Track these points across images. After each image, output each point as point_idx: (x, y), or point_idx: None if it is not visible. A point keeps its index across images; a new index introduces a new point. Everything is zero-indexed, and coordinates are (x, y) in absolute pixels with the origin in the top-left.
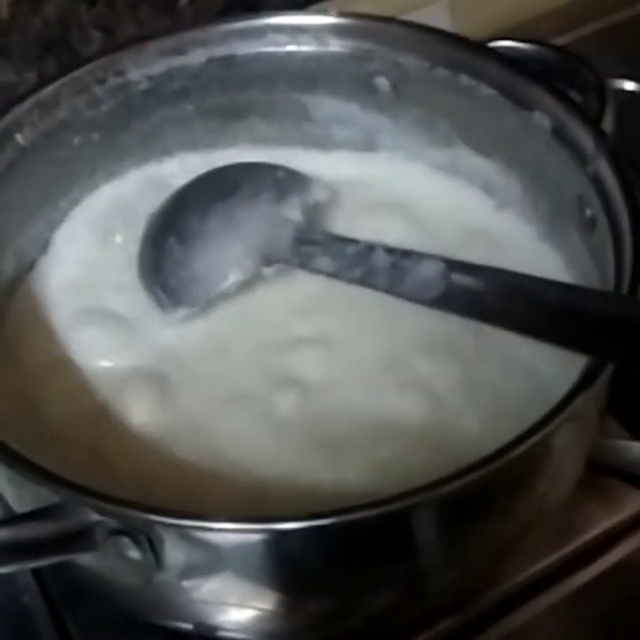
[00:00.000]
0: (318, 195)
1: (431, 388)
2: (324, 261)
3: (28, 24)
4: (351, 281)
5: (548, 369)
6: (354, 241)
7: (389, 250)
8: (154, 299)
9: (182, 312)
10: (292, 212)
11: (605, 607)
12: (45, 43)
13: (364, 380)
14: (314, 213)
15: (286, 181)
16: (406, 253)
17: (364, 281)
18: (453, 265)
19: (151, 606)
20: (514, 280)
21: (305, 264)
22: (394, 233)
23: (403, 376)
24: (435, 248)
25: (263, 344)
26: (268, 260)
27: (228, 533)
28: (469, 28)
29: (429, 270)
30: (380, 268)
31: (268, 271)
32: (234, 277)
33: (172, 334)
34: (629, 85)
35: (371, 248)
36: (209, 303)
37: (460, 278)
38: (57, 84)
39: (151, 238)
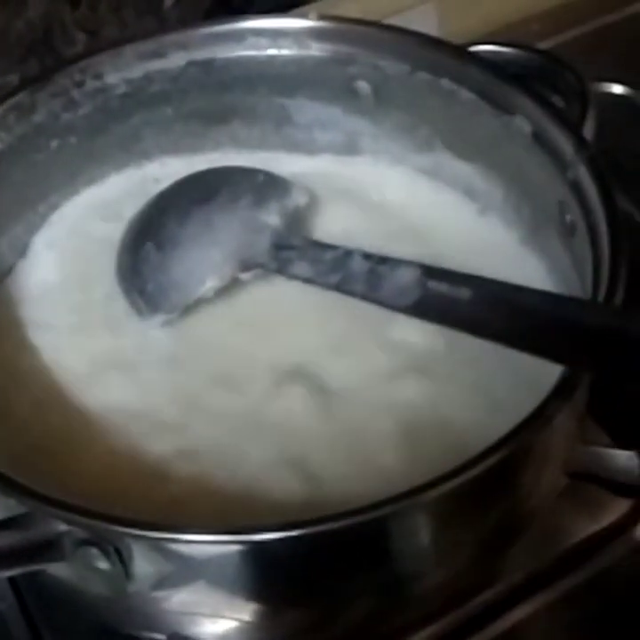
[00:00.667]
0: (298, 199)
1: (407, 395)
2: (301, 267)
3: (10, 26)
4: (328, 287)
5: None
6: (332, 246)
7: (367, 256)
8: (132, 304)
9: (160, 318)
10: (271, 216)
11: (589, 614)
12: (28, 44)
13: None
14: (293, 218)
15: (266, 186)
16: (383, 259)
17: (341, 287)
18: (430, 271)
19: (123, 617)
20: (491, 288)
21: (283, 269)
22: (374, 237)
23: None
24: (417, 252)
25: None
26: (245, 266)
27: (199, 545)
28: (457, 30)
29: (406, 277)
30: (357, 274)
31: (245, 276)
32: (211, 283)
33: (151, 337)
34: (618, 89)
35: (348, 254)
36: (187, 309)
37: (436, 285)
38: (34, 87)
39: (129, 243)
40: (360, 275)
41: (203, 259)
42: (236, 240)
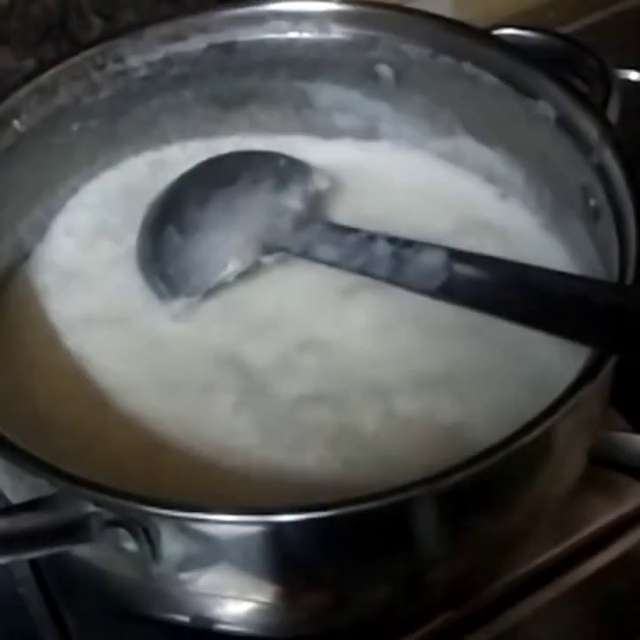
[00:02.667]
0: (319, 183)
1: (428, 378)
2: (324, 250)
3: (27, 10)
4: (352, 270)
5: (549, 355)
6: (354, 230)
7: (391, 239)
8: (152, 288)
9: (181, 302)
10: (293, 200)
11: (608, 600)
12: (44, 29)
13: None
14: (314, 202)
15: (286, 170)
16: (408, 243)
17: (365, 270)
18: (456, 255)
19: (148, 599)
20: (516, 270)
21: (305, 253)
22: (395, 222)
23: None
24: (437, 237)
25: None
26: (267, 249)
27: (226, 525)
28: (473, 14)
29: (431, 260)
30: (381, 258)
31: (267, 260)
32: (233, 266)
33: (170, 324)
34: (634, 76)
35: (372, 237)
36: (208, 293)
37: (462, 268)
38: (55, 70)
39: (149, 227)
40: (384, 258)
41: (224, 242)
42: (258, 224)
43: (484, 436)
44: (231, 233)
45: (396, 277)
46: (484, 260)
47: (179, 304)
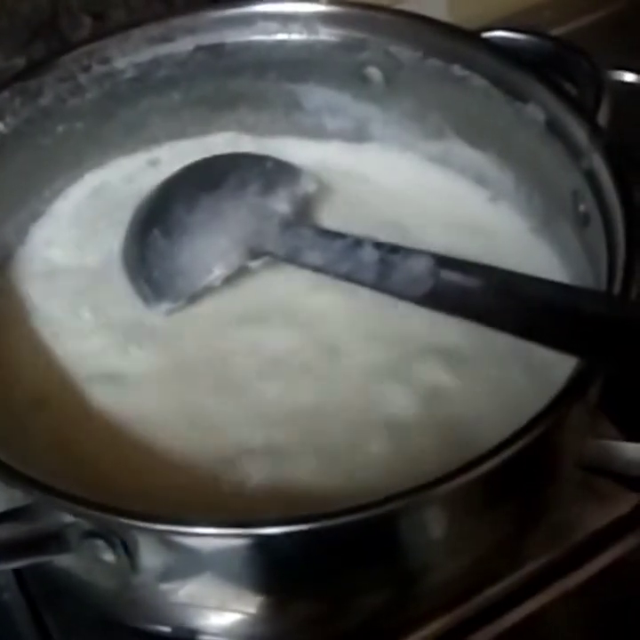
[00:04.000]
0: (307, 186)
1: (424, 383)
2: (311, 255)
3: (17, 8)
4: (338, 276)
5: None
6: (341, 235)
7: (377, 244)
8: (137, 291)
9: (165, 306)
10: (280, 204)
11: (599, 607)
12: (34, 27)
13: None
14: (302, 205)
15: (274, 172)
16: (394, 248)
17: (351, 276)
18: (443, 261)
19: (128, 609)
20: (503, 277)
21: (292, 258)
22: (384, 226)
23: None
24: (427, 241)
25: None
26: (254, 253)
27: (203, 538)
28: (467, 15)
29: (418, 266)
30: (367, 264)
31: (254, 264)
32: (219, 271)
33: (154, 324)
34: (629, 77)
35: (358, 243)
36: (193, 297)
37: (449, 275)
38: (40, 71)
39: (136, 230)
40: (371, 264)
41: (210, 246)
42: (245, 227)
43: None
44: (217, 237)
45: (382, 284)
46: (471, 266)
47: (163, 308)
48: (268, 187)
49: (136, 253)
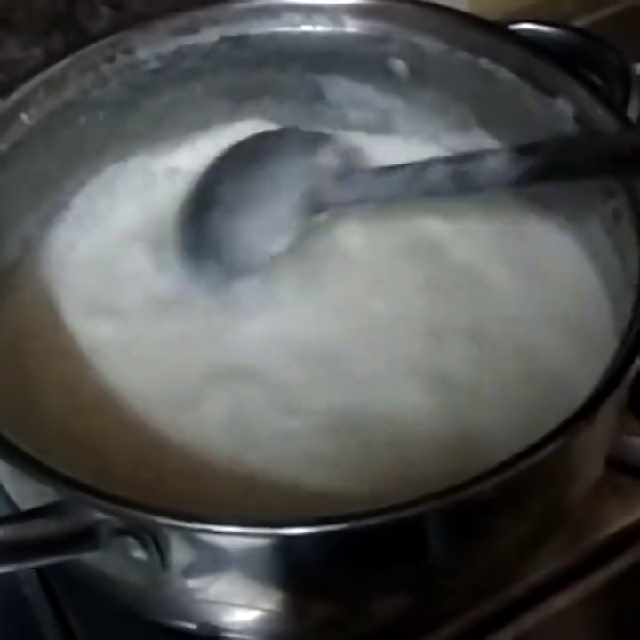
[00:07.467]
0: (348, 144)
1: (448, 387)
2: (378, 191)
3: None
4: (416, 194)
5: (568, 363)
6: (400, 166)
7: (447, 160)
8: (204, 277)
9: (242, 283)
10: (327, 159)
11: (624, 606)
12: (52, 18)
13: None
14: (348, 157)
15: (312, 137)
16: (466, 157)
17: (431, 191)
18: (522, 150)
19: (155, 605)
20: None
21: (361, 199)
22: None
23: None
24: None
25: None
26: (316, 208)
27: (235, 537)
28: (488, 7)
29: (495, 164)
30: (440, 180)
31: (321, 218)
32: (284, 237)
33: (176, 321)
34: None
35: (423, 166)
36: (265, 268)
37: (528, 161)
38: (64, 62)
39: (192, 215)
40: (444, 178)
41: (270, 215)
42: (301, 187)
43: (500, 442)
44: (276, 204)
45: (463, 189)
46: (548, 146)
47: (243, 285)
48: (312, 149)
49: (198, 238)
